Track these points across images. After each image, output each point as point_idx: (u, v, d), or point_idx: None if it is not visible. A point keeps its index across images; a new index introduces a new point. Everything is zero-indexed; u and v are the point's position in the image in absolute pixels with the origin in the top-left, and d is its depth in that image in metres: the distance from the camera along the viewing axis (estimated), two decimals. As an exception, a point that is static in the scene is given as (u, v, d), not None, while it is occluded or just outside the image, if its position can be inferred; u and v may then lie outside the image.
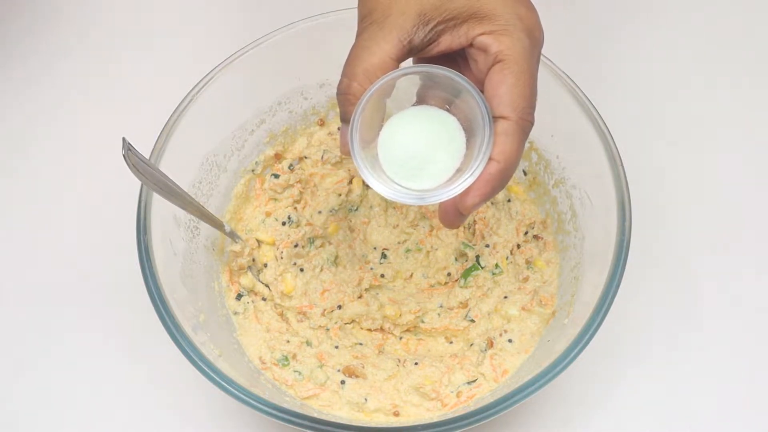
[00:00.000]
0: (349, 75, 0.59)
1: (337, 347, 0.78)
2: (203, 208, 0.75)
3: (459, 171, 0.58)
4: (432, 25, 0.58)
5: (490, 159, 0.56)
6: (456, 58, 0.61)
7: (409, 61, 0.61)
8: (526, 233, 0.82)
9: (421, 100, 0.60)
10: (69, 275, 0.85)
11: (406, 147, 0.58)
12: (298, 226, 0.83)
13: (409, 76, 0.58)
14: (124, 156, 0.63)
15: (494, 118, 0.57)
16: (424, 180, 0.59)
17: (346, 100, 0.59)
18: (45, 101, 0.96)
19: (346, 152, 0.59)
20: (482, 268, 0.81)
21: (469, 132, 0.58)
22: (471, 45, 0.59)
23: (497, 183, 0.57)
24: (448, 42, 0.59)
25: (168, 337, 0.66)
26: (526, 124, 0.57)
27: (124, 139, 0.63)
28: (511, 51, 0.57)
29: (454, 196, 0.57)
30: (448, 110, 0.59)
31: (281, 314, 0.80)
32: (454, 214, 0.59)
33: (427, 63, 0.59)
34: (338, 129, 0.86)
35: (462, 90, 0.57)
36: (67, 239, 0.88)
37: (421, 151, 0.58)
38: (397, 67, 0.59)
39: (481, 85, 0.58)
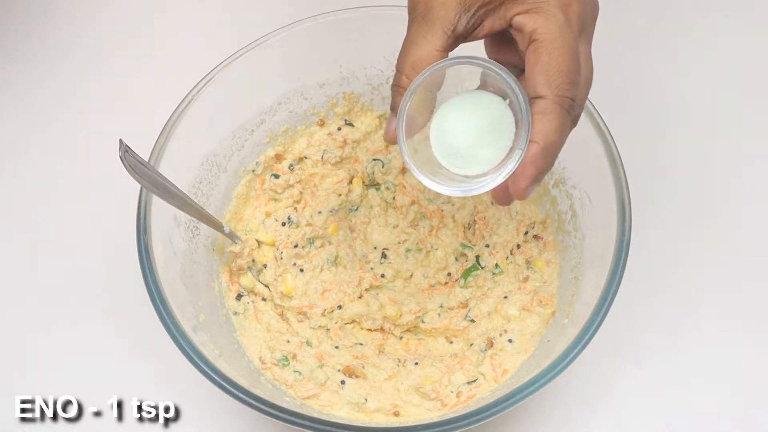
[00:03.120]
0: (399, 68, 0.61)
1: (337, 347, 0.78)
2: (202, 209, 0.75)
3: (511, 150, 0.59)
4: (473, 11, 0.58)
5: (531, 141, 0.56)
6: (509, 40, 0.62)
7: (463, 49, 0.62)
8: (526, 233, 0.82)
9: (483, 85, 0.61)
10: (69, 276, 0.85)
11: (455, 135, 0.60)
12: (297, 226, 0.83)
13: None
14: (121, 157, 0.63)
15: (532, 99, 0.57)
16: (475, 166, 0.59)
17: (395, 91, 0.61)
18: (45, 102, 0.96)
19: (390, 140, 0.61)
20: (482, 268, 0.81)
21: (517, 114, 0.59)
22: (510, 26, 0.59)
23: (541, 163, 0.57)
24: (490, 25, 0.59)
25: (168, 337, 0.66)
26: (563, 100, 0.56)
27: (121, 140, 0.64)
28: (544, 28, 0.56)
29: (494, 186, 0.58)
30: (507, 94, 0.59)
31: (281, 314, 0.80)
32: (504, 195, 0.60)
33: (477, 46, 0.60)
34: (338, 129, 0.86)
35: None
36: (67, 239, 0.88)
37: (470, 138, 0.59)
38: (446, 56, 0.60)
39: None
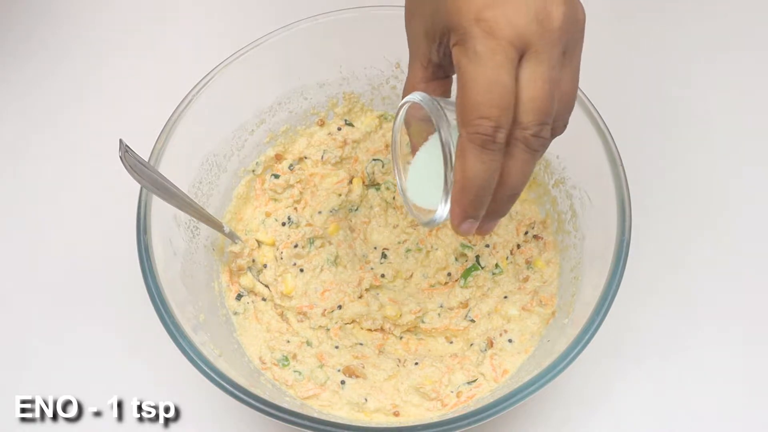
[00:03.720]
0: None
1: (337, 347, 0.78)
2: (202, 209, 0.75)
3: None
4: (437, 41, 0.58)
5: (454, 181, 0.56)
6: None
7: None
8: (526, 233, 0.82)
9: None
10: (69, 275, 0.85)
11: (429, 166, 0.61)
12: (297, 226, 0.83)
13: None
14: (121, 157, 0.64)
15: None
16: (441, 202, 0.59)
17: None
18: (45, 102, 0.96)
19: None
20: (482, 268, 0.81)
21: None
22: None
23: (464, 202, 0.55)
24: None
25: (168, 337, 0.66)
26: (474, 137, 0.53)
27: (121, 140, 0.64)
28: (462, 62, 0.54)
29: (438, 224, 0.60)
30: None
31: (281, 314, 0.80)
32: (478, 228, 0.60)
33: None
34: (338, 129, 0.86)
35: None
36: (67, 239, 0.88)
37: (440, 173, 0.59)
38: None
39: None
